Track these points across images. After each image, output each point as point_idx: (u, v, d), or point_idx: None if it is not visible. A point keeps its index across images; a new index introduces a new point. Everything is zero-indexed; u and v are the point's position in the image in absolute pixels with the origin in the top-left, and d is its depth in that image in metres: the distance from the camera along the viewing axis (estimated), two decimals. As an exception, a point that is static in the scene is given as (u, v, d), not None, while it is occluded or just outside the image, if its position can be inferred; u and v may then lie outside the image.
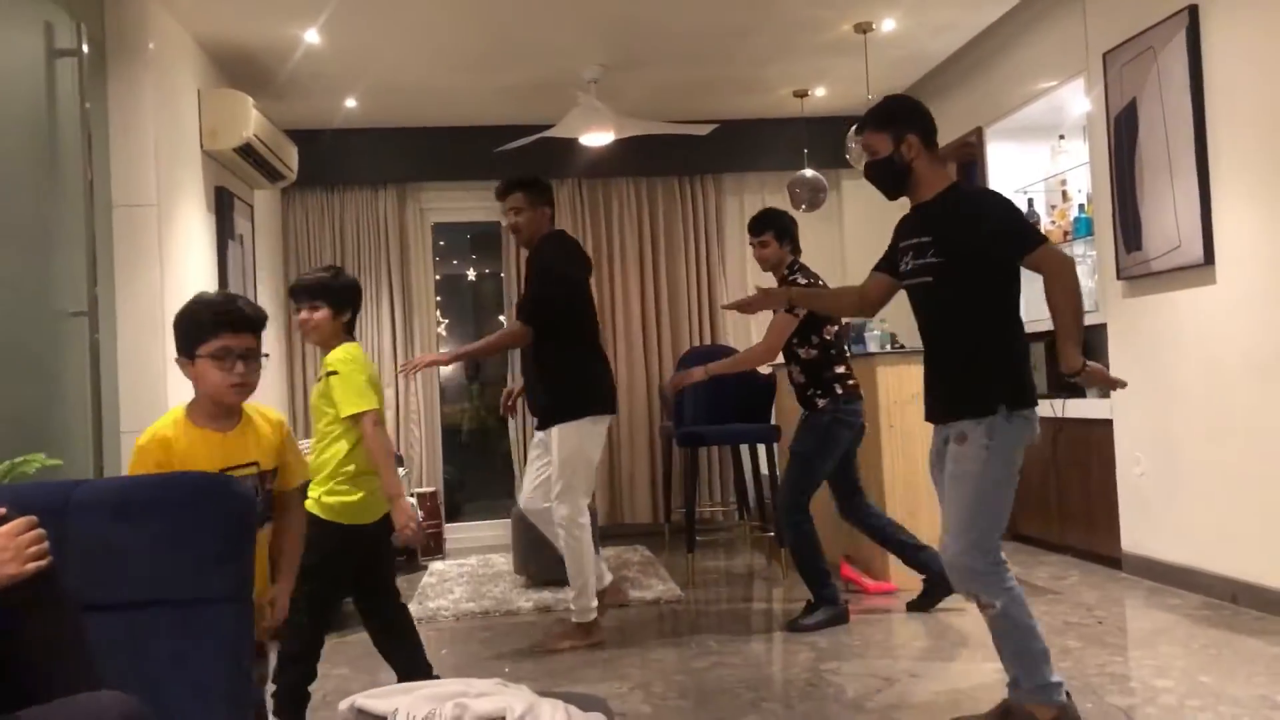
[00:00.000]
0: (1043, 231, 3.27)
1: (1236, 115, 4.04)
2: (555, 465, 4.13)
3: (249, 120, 5.19)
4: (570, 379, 4.15)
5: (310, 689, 3.02)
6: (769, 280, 4.59)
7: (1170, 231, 4.38)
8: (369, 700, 1.73)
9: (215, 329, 2.13)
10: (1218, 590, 4.22)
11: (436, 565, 6.16)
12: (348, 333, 3.19)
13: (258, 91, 5.72)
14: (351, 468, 3.04)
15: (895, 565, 4.68)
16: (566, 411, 4.12)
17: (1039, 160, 5.98)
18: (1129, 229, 4.67)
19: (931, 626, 4.20)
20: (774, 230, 4.44)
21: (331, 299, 3.12)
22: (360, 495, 3.05)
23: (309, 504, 2.86)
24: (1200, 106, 4.19)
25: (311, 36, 5.27)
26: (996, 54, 5.90)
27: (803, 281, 4.37)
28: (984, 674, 3.48)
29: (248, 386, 2.16)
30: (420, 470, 7.05)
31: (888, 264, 3.08)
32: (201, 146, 5.16)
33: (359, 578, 3.13)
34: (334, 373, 3.08)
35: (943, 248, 2.82)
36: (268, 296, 6.50)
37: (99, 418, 3.66)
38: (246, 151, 5.34)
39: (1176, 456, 4.48)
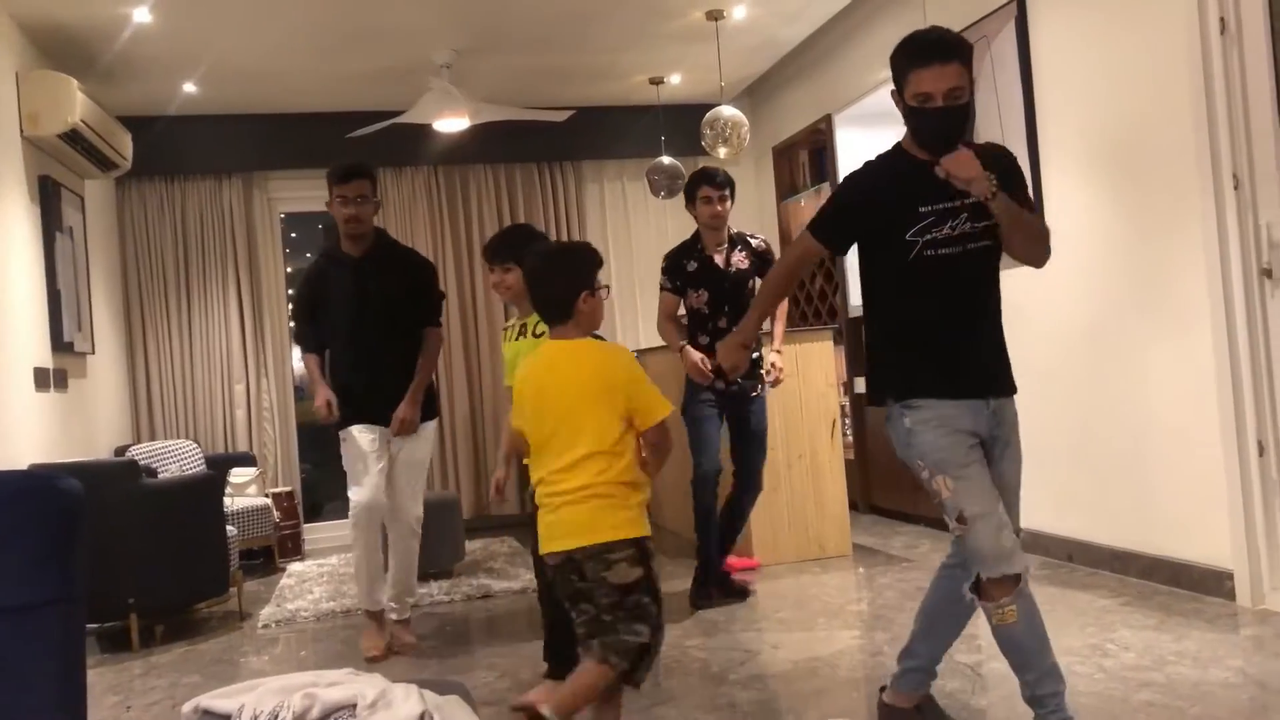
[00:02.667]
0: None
1: (1062, 98, 4.27)
2: (416, 464, 4.04)
3: (74, 104, 4.87)
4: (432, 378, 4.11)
5: None
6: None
7: (1006, 211, 4.59)
8: (213, 700, 1.65)
9: (601, 265, 2.53)
10: (1055, 551, 4.47)
11: (295, 566, 5.96)
12: None
13: (84, 74, 5.38)
14: None
15: (758, 541, 4.78)
16: (434, 409, 4.13)
17: (886, 144, 6.16)
18: (968, 210, 4.87)
19: (794, 597, 4.31)
20: (731, 187, 4.38)
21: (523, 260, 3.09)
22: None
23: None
24: (1030, 90, 4.41)
25: (142, 15, 4.99)
26: (843, 43, 6.07)
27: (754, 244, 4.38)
28: (842, 641, 3.59)
29: None
30: (276, 469, 6.80)
31: (845, 244, 2.59)
32: (21, 133, 4.83)
33: None
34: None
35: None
36: (102, 293, 6.15)
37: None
38: (73, 138, 5.01)
39: (1021, 425, 4.70)
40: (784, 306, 4.45)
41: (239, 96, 6.43)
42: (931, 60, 2.35)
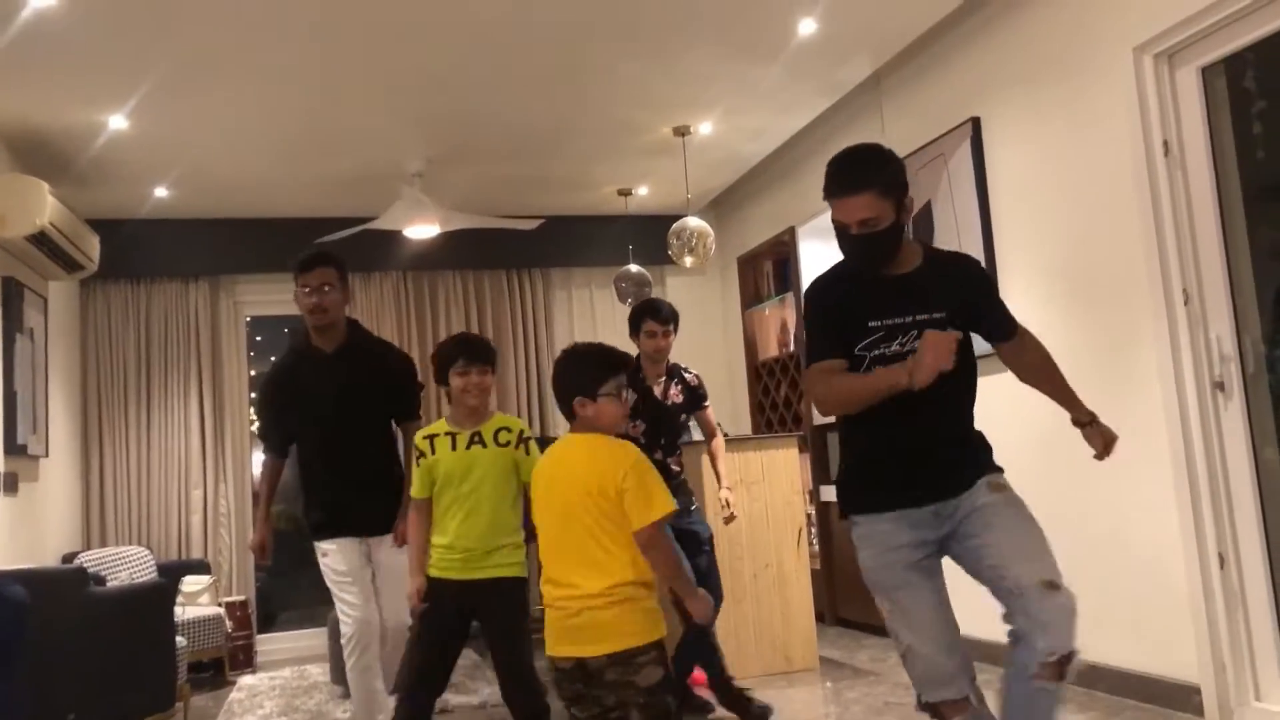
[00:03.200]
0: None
1: (1017, 215, 4.41)
2: (400, 568, 3.62)
3: (44, 208, 4.88)
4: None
5: None
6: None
7: (965, 323, 4.68)
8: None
9: (615, 371, 2.48)
10: (1024, 663, 4.41)
11: (246, 679, 5.75)
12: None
13: (57, 178, 5.41)
14: None
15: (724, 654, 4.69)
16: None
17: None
18: (929, 321, 4.96)
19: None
20: (675, 321, 4.39)
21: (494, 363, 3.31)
22: None
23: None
24: (986, 207, 4.55)
25: (117, 123, 5.05)
26: (806, 158, 6.25)
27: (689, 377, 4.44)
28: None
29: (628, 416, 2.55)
30: (230, 577, 6.62)
31: (845, 348, 2.47)
32: (-12, 234, 4.82)
33: None
34: (530, 438, 3.28)
35: (957, 317, 2.43)
36: (60, 394, 6.06)
37: None
38: (41, 240, 5.01)
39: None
40: (720, 443, 4.48)
41: (211, 201, 6.48)
42: (840, 192, 2.38)
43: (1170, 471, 3.63)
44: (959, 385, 2.45)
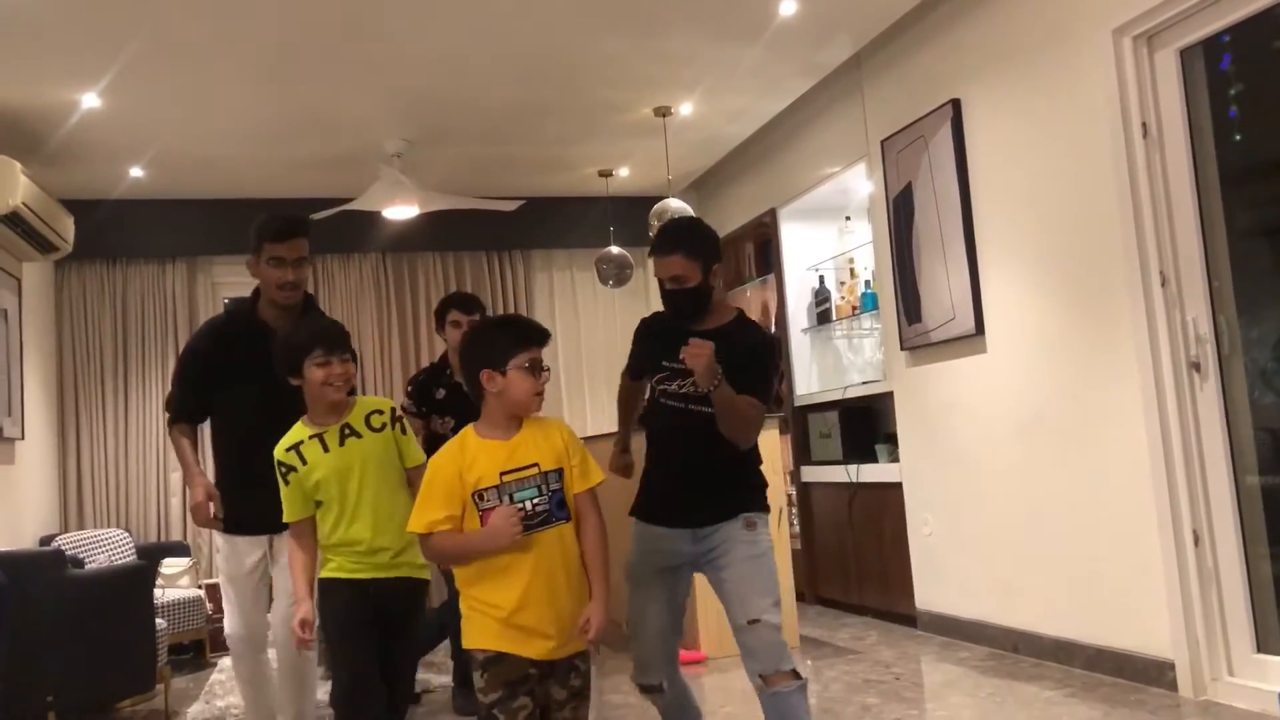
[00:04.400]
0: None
1: (996, 197, 4.43)
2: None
3: (16, 187, 4.81)
4: None
5: None
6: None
7: (945, 304, 4.71)
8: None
9: (526, 344, 2.34)
10: (1001, 641, 4.47)
11: (226, 662, 5.73)
12: None
13: (28, 157, 5.33)
14: None
15: (704, 634, 4.72)
16: None
17: (828, 239, 6.34)
18: (909, 302, 4.99)
19: (741, 691, 4.23)
20: (481, 311, 4.32)
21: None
22: None
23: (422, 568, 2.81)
24: (966, 189, 4.56)
25: (90, 101, 4.98)
26: (787, 140, 6.25)
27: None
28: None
29: (543, 394, 2.38)
30: (210, 560, 6.59)
31: (638, 370, 3.04)
32: (-40, 214, 4.76)
33: None
34: (401, 417, 2.90)
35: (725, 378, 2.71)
36: (35, 377, 6.00)
37: None
38: (13, 221, 4.95)
39: (959, 516, 4.75)
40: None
41: (186, 181, 6.41)
42: (657, 251, 2.85)
43: (1146, 451, 3.67)
44: (715, 446, 2.79)
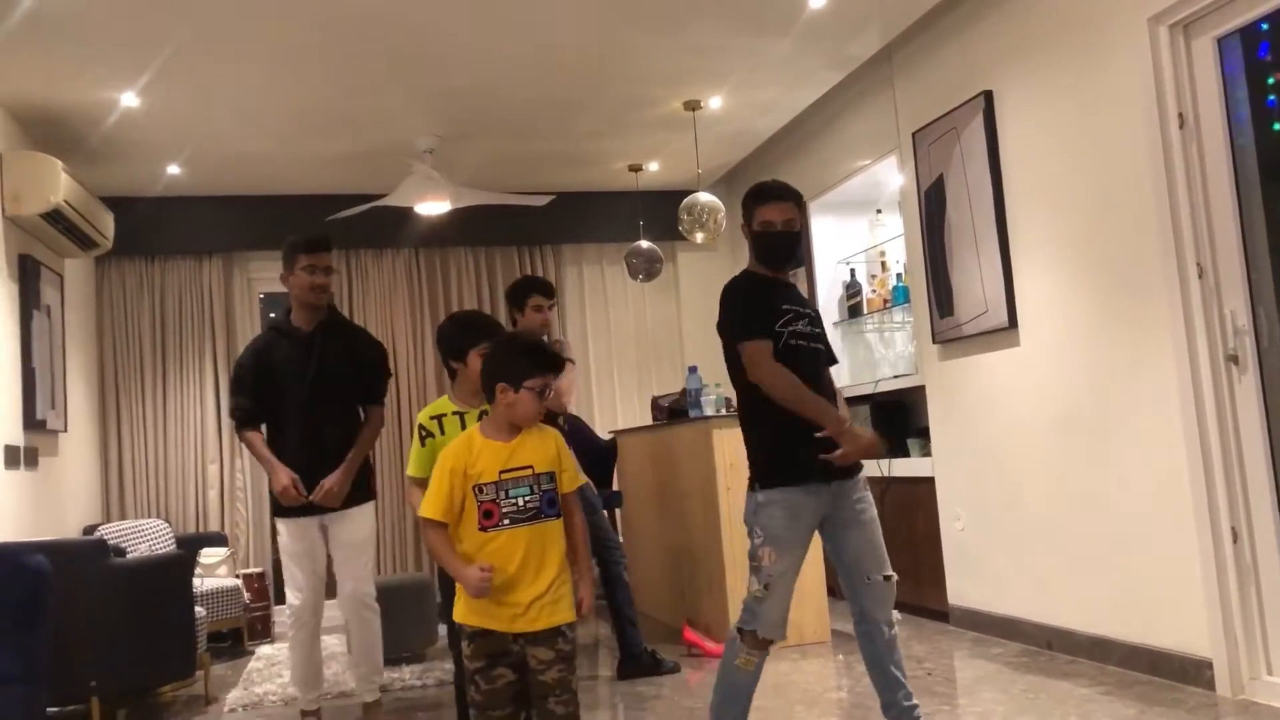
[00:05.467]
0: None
1: (1029, 189, 4.39)
2: (356, 546, 3.88)
3: (58, 185, 4.91)
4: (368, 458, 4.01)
5: None
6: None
7: (978, 297, 4.68)
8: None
9: (543, 371, 2.59)
10: (1034, 638, 4.44)
11: (264, 649, 5.82)
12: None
13: (69, 155, 5.43)
14: None
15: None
16: (370, 491, 3.98)
17: (859, 232, 6.31)
18: (942, 295, 4.96)
19: (773, 684, 4.24)
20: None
21: None
22: None
23: None
24: (999, 181, 4.52)
25: (129, 100, 5.07)
26: (817, 133, 6.23)
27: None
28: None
29: (544, 412, 2.66)
30: (247, 550, 6.70)
31: (770, 329, 3.02)
32: (3, 212, 4.85)
33: None
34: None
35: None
36: (77, 370, 6.11)
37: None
38: (56, 218, 5.04)
39: (991, 511, 4.72)
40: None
41: (223, 178, 6.50)
42: (772, 197, 3.19)
43: (1184, 446, 3.63)
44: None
